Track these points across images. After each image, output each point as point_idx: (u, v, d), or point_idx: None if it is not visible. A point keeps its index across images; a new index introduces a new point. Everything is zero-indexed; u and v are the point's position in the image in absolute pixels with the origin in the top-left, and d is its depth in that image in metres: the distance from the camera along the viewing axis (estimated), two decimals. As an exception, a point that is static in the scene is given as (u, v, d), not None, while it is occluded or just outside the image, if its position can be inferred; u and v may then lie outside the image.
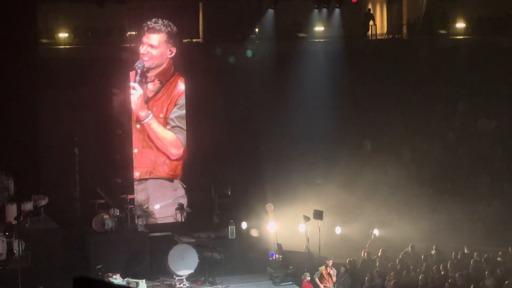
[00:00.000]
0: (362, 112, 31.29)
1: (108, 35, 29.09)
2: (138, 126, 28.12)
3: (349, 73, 30.75)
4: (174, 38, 27.99)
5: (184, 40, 29.09)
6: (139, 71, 27.68)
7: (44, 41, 29.33)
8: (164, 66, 28.19)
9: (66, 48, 29.69)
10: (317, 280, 22.97)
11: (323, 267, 22.96)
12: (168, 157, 28.58)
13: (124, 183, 27.94)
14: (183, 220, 28.06)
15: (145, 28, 27.64)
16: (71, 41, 29.70)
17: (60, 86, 28.09)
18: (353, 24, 32.41)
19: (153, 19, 27.65)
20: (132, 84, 27.75)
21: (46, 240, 24.50)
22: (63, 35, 29.81)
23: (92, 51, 28.84)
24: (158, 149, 28.40)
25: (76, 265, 24.70)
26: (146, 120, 28.16)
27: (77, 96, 28.10)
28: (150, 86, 28.16)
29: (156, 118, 28.30)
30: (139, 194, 28.15)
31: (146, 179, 28.41)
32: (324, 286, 22.42)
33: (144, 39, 27.78)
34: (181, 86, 28.48)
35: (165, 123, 28.45)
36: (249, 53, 30.53)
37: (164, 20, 27.73)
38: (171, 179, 28.76)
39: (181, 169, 28.74)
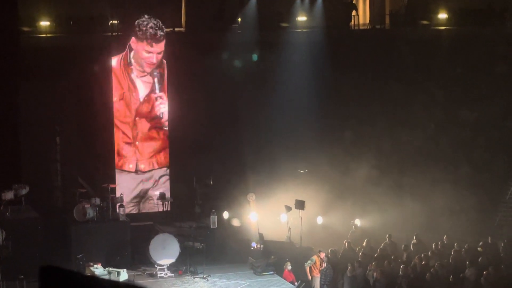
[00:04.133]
0: (344, 102, 31.28)
1: (90, 24, 28.91)
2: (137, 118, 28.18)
3: (332, 63, 30.69)
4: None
5: (167, 30, 28.87)
6: (156, 79, 27.80)
7: (25, 29, 29.12)
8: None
9: (47, 36, 29.50)
10: (307, 268, 22.89)
11: (316, 256, 22.78)
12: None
13: (105, 172, 27.87)
14: (165, 210, 28.06)
15: (147, 34, 27.61)
16: (53, 29, 29.48)
17: (41, 75, 27.91)
18: (335, 14, 32.37)
19: (150, 24, 27.57)
20: (158, 94, 27.94)
21: (27, 229, 24.39)
22: (44, 23, 29.59)
23: (74, 40, 28.67)
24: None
25: (57, 255, 24.49)
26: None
27: (59, 85, 27.88)
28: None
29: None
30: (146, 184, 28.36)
31: (150, 171, 28.54)
32: (313, 276, 22.35)
33: (148, 47, 27.80)
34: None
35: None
36: (254, 57, 30.70)
37: (159, 23, 27.74)
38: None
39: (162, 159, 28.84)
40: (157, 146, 28.60)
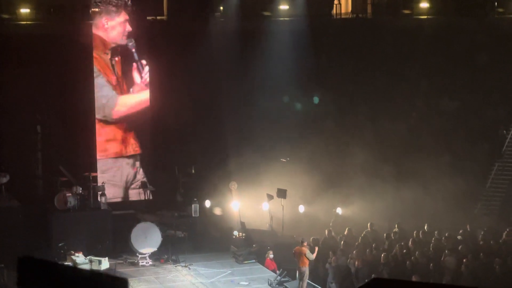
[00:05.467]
0: (326, 91, 31.32)
1: (71, 12, 28.76)
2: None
3: (313, 52, 30.73)
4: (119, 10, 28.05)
5: (148, 18, 28.91)
6: (133, 49, 27.69)
7: (5, 16, 29.02)
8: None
9: (27, 24, 29.36)
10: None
11: (304, 248, 22.20)
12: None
13: (87, 160, 27.82)
14: (146, 198, 28.13)
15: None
16: (33, 16, 29.36)
17: (21, 63, 27.72)
18: (317, 3, 32.43)
19: None
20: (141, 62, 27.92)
21: (7, 218, 24.44)
22: (24, 10, 29.46)
23: (54, 28, 28.51)
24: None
25: (38, 243, 24.56)
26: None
27: (40, 73, 27.70)
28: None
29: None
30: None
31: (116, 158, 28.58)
32: (302, 265, 22.13)
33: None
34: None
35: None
36: (315, 100, 30.99)
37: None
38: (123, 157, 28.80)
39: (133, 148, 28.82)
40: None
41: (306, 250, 22.18)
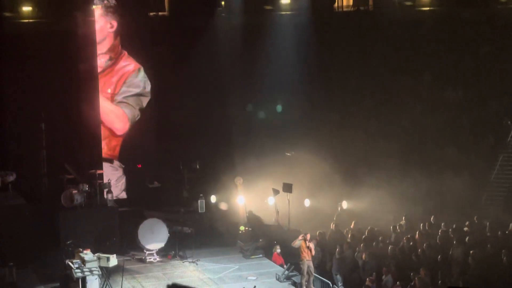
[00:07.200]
0: (330, 84, 31.48)
1: (72, 9, 28.54)
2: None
3: (316, 45, 30.87)
4: (113, 11, 28.02)
5: (151, 14, 29.07)
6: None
7: (8, 14, 29.09)
8: (110, 41, 28.24)
9: (30, 22, 29.42)
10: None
11: (302, 241, 22.27)
12: (112, 132, 28.66)
13: (92, 157, 27.93)
14: (152, 195, 28.21)
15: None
16: (35, 14, 29.43)
17: (25, 61, 27.85)
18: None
19: None
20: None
21: (15, 216, 24.49)
22: (26, 8, 29.54)
23: (57, 25, 28.53)
24: (103, 124, 28.52)
25: (46, 241, 24.59)
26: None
27: (43, 70, 27.83)
28: (98, 61, 28.15)
29: (103, 93, 28.36)
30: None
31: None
32: (303, 258, 22.22)
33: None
34: (130, 65, 28.57)
35: (112, 98, 28.59)
36: (279, 108, 31.11)
37: None
38: (110, 160, 28.74)
39: (119, 150, 28.81)
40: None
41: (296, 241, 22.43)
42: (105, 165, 28.47)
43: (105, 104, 28.46)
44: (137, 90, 28.85)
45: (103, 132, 28.58)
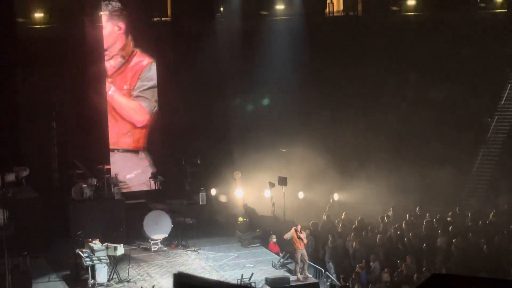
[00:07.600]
0: (322, 85, 31.95)
1: (81, 15, 29.26)
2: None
3: (309, 47, 31.44)
4: (118, 14, 28.69)
5: (154, 19, 29.65)
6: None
7: (20, 20, 29.62)
8: (121, 42, 29.02)
9: (41, 27, 30.01)
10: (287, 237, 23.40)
11: (293, 231, 22.80)
12: (134, 125, 29.49)
13: (100, 153, 28.62)
14: (156, 188, 28.95)
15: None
16: (46, 20, 30.00)
17: (37, 64, 28.46)
18: (312, 2, 33.11)
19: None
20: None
21: (28, 209, 25.14)
22: (38, 15, 30.14)
23: (66, 30, 29.15)
24: (123, 119, 29.32)
25: (57, 232, 25.41)
26: (109, 93, 29.18)
27: (55, 73, 28.51)
28: (112, 62, 28.93)
29: (120, 90, 29.20)
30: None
31: (113, 150, 29.37)
32: (296, 248, 22.69)
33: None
34: (144, 61, 29.33)
35: (129, 94, 29.40)
36: (266, 101, 31.59)
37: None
38: (135, 151, 29.62)
39: (144, 141, 29.61)
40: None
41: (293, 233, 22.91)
42: (131, 156, 29.18)
43: (123, 100, 29.17)
44: (151, 83, 29.53)
45: (125, 126, 29.21)
